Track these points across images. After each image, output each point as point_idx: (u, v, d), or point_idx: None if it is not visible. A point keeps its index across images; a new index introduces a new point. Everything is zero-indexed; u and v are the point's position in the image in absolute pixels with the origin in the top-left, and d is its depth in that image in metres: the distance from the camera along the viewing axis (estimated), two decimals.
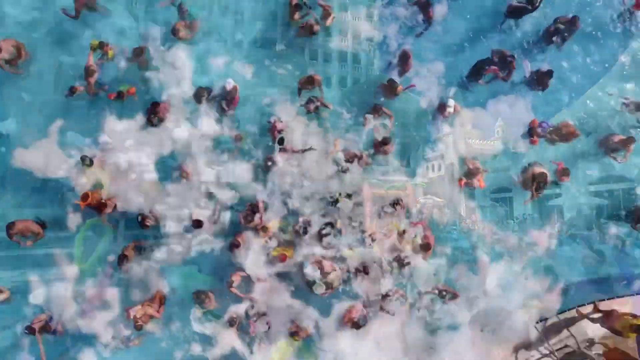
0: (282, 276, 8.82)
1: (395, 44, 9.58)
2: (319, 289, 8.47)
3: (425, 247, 8.62)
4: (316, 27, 9.27)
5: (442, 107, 9.11)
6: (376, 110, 9.08)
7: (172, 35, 9.32)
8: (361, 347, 8.61)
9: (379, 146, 9.09)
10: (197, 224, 8.61)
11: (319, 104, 9.11)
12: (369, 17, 9.65)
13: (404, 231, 8.70)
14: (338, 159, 8.99)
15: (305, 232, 8.58)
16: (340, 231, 8.74)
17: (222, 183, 9.15)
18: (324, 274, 8.46)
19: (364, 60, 9.74)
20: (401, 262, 8.65)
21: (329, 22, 9.39)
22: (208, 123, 9.31)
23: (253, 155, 9.26)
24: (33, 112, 9.57)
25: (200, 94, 9.04)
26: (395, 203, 8.73)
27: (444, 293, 8.56)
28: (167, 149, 9.22)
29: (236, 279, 8.60)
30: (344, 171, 8.96)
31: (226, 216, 9.02)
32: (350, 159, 8.92)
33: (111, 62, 9.30)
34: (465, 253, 9.16)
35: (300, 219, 8.80)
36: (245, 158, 9.26)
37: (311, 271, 8.47)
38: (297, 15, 9.30)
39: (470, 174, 9.10)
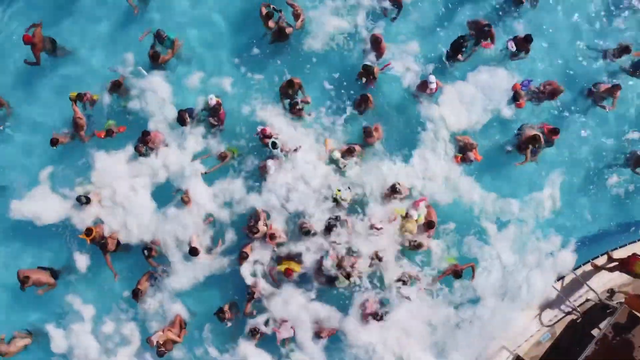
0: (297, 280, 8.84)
1: (366, 32, 9.57)
2: (342, 284, 8.49)
3: (429, 225, 8.63)
4: (289, 30, 9.27)
5: (424, 84, 9.11)
6: (363, 100, 9.05)
7: (152, 62, 9.32)
8: (388, 336, 8.60)
9: (365, 137, 9.11)
10: (194, 252, 8.58)
11: (301, 106, 9.11)
12: (336, 10, 9.65)
13: (406, 214, 8.70)
14: (336, 158, 8.95)
15: (307, 233, 8.58)
16: (345, 223, 8.73)
17: (220, 202, 9.15)
18: (343, 268, 8.47)
19: (340, 54, 9.74)
20: (413, 246, 8.63)
21: (299, 24, 9.39)
22: (195, 144, 9.33)
23: (243, 168, 9.28)
24: (21, 161, 9.65)
25: (183, 117, 9.05)
26: (393, 189, 8.73)
27: (460, 272, 8.53)
28: (161, 177, 9.25)
29: (255, 291, 8.63)
30: (344, 167, 8.94)
31: (229, 236, 9.04)
32: (346, 153, 8.90)
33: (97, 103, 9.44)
34: (471, 226, 9.14)
35: (300, 221, 8.81)
36: (237, 173, 9.26)
37: (331, 265, 8.49)
38: (271, 23, 9.29)
39: (464, 149, 9.09)
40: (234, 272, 8.87)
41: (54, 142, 8.93)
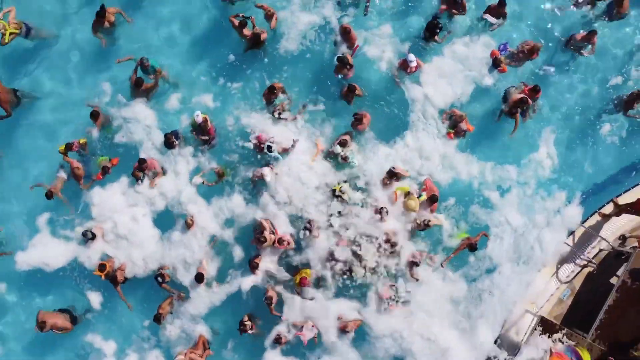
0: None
1: (336, 22, 9.57)
2: (359, 273, 8.50)
3: (432, 199, 8.63)
4: (264, 36, 9.25)
5: (404, 63, 9.11)
6: (350, 89, 9.02)
7: (135, 89, 9.27)
8: (413, 320, 8.62)
9: (354, 127, 9.10)
10: (199, 278, 8.60)
11: (279, 111, 9.10)
12: (305, 6, 9.64)
13: (408, 192, 8.71)
14: (337, 152, 8.89)
15: (309, 230, 8.59)
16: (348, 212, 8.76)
17: (221, 221, 9.15)
18: (358, 257, 8.51)
19: (316, 51, 9.73)
20: (422, 225, 8.64)
21: (273, 23, 9.37)
22: (187, 165, 9.33)
23: (238, 181, 9.27)
24: (16, 211, 9.65)
25: (170, 140, 9.04)
26: (391, 175, 8.73)
27: (475, 244, 8.53)
28: (160, 203, 9.23)
29: (272, 294, 8.62)
30: (345, 159, 8.89)
31: (237, 252, 9.03)
32: (343, 143, 8.84)
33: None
34: (475, 198, 9.15)
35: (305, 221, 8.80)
36: (233, 188, 9.24)
37: (341, 253, 8.52)
38: (246, 31, 9.25)
39: (455, 122, 9.09)
40: (249, 283, 8.83)
41: (49, 195, 8.87)
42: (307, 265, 8.79)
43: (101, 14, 9.25)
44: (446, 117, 9.16)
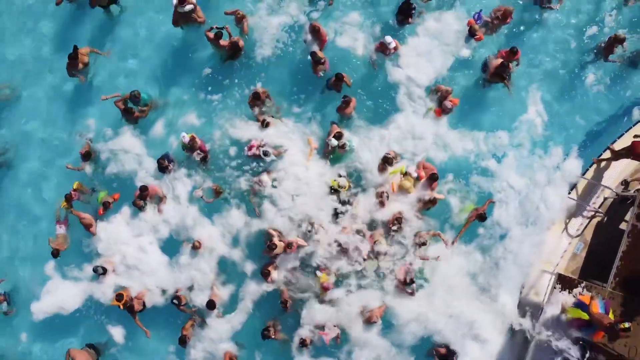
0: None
1: (305, 18, 9.61)
2: (373, 266, 8.59)
3: (432, 178, 8.66)
4: (241, 43, 9.25)
5: (381, 46, 9.12)
6: (338, 78, 8.92)
7: (126, 117, 9.26)
8: (434, 300, 8.67)
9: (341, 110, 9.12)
10: (211, 306, 8.64)
11: (261, 119, 9.11)
12: (271, 8, 9.66)
13: (405, 173, 8.73)
14: (334, 145, 8.84)
15: (311, 231, 8.65)
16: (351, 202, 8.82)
17: (229, 240, 9.17)
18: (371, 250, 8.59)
19: (291, 52, 9.74)
20: (427, 202, 8.66)
21: (245, 27, 9.35)
22: (184, 186, 9.33)
23: (238, 196, 9.28)
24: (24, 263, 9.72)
25: (162, 164, 9.06)
26: (385, 161, 8.75)
27: (484, 214, 8.56)
28: (164, 229, 9.25)
29: (287, 297, 8.68)
30: (343, 147, 8.87)
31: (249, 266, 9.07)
32: (339, 136, 8.82)
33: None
34: (473, 169, 9.18)
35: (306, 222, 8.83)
36: (234, 204, 9.26)
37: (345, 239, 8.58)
38: (222, 42, 9.24)
39: (441, 98, 9.09)
40: (265, 292, 8.91)
41: (54, 254, 8.92)
42: (316, 265, 8.80)
43: (73, 55, 9.19)
44: (433, 94, 9.16)
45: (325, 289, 8.54)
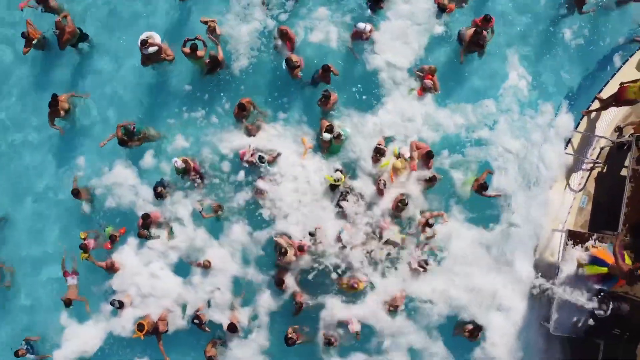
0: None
1: (273, 21, 9.60)
2: (383, 255, 8.64)
3: (429, 155, 8.67)
4: (220, 56, 9.19)
5: (357, 34, 9.12)
6: (325, 70, 8.85)
7: (122, 144, 9.19)
8: (452, 276, 8.73)
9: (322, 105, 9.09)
10: (233, 329, 8.64)
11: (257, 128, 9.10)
12: (238, 16, 9.62)
13: (399, 155, 8.73)
14: (328, 139, 8.82)
15: (312, 234, 8.71)
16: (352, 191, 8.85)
17: (239, 258, 9.20)
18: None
19: (267, 58, 9.71)
20: (427, 181, 8.70)
21: (218, 30, 9.31)
22: (184, 209, 9.31)
23: (240, 211, 9.29)
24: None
25: (158, 191, 9.04)
26: (378, 151, 8.77)
27: (484, 183, 8.58)
28: (174, 254, 9.25)
29: (300, 298, 8.70)
30: (339, 137, 8.81)
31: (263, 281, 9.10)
32: (329, 129, 8.78)
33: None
34: (466, 143, 9.20)
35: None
36: (237, 219, 9.27)
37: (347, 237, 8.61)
38: (200, 52, 9.10)
39: (424, 78, 9.09)
40: (281, 300, 8.97)
41: (67, 303, 8.91)
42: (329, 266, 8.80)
43: (53, 103, 9.10)
44: (418, 75, 9.17)
45: (355, 288, 8.50)
